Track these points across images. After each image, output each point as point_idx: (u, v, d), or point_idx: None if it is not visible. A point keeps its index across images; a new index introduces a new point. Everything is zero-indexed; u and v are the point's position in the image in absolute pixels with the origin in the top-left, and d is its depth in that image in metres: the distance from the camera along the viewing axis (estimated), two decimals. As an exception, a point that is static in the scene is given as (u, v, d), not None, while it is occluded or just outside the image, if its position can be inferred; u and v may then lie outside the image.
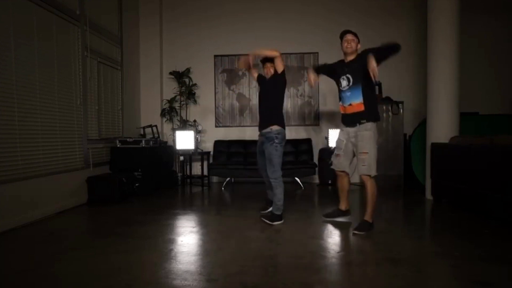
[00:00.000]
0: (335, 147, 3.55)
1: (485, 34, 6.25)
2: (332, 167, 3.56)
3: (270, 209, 3.76)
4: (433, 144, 4.69)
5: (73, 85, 4.51)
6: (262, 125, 3.69)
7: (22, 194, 3.59)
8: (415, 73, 6.33)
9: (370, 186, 3.25)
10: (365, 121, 3.22)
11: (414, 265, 2.48)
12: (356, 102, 3.24)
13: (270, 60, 3.65)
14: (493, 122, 5.46)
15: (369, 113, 3.23)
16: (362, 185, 5.79)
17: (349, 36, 3.27)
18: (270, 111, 3.66)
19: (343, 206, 3.66)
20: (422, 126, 5.32)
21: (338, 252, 2.74)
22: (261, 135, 3.73)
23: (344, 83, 3.32)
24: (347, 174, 3.52)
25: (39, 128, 3.88)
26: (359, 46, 3.29)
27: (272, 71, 3.69)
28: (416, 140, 5.52)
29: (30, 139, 3.74)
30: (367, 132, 3.22)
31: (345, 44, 3.28)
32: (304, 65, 6.52)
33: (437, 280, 2.29)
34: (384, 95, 6.05)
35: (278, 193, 3.57)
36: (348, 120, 3.35)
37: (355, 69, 3.23)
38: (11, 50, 3.51)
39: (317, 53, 6.49)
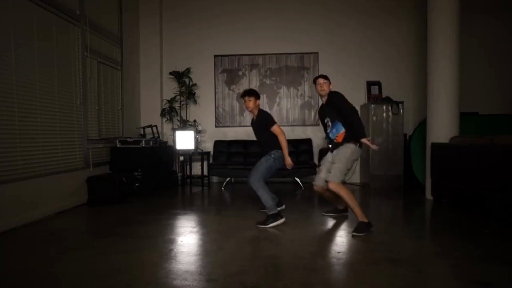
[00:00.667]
0: (320, 165, 3.73)
1: (485, 34, 6.25)
2: (313, 183, 3.69)
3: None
4: (433, 144, 4.69)
5: (73, 85, 4.51)
6: (263, 151, 3.85)
7: (22, 194, 3.59)
8: (415, 73, 6.33)
9: (339, 190, 3.31)
10: (347, 141, 3.45)
11: (414, 265, 2.48)
12: (340, 133, 3.48)
13: (248, 94, 3.78)
14: (493, 122, 5.46)
15: (351, 135, 3.42)
16: (362, 186, 5.78)
17: (321, 80, 3.53)
18: (267, 142, 3.78)
19: (340, 206, 3.86)
20: (422, 126, 5.32)
21: (338, 252, 2.74)
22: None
23: (328, 124, 3.60)
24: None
25: (39, 128, 3.88)
26: (331, 86, 3.55)
27: (251, 105, 3.77)
28: (416, 140, 5.52)
29: (30, 139, 3.74)
30: (344, 148, 3.42)
31: (319, 87, 3.55)
32: (304, 65, 6.52)
33: (437, 280, 2.30)
34: (384, 95, 6.06)
35: (262, 194, 3.56)
36: (335, 146, 3.55)
37: (330, 111, 3.54)
38: (11, 50, 3.51)
39: (317, 53, 6.49)
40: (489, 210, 3.64)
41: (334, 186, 3.33)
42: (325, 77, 3.58)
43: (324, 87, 3.52)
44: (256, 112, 3.84)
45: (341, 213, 3.86)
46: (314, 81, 3.62)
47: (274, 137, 3.73)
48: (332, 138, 3.55)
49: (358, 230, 3.20)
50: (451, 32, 4.59)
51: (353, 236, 3.15)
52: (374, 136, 5.61)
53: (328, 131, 3.60)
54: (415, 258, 2.65)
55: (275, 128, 3.72)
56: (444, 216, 4.01)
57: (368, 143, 3.29)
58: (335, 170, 3.36)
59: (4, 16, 3.44)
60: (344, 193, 3.30)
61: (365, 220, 3.26)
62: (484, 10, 6.20)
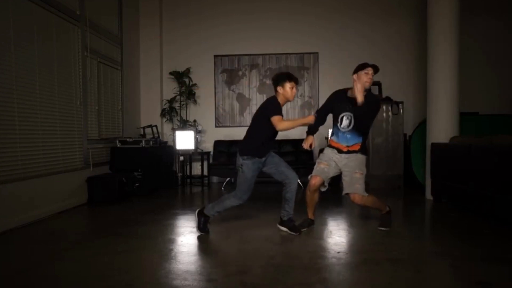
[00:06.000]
0: (320, 159, 3.28)
1: (485, 34, 6.24)
2: (312, 174, 3.24)
3: (286, 218, 3.29)
4: (433, 144, 4.69)
5: (73, 85, 4.51)
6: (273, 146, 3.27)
7: (22, 194, 3.59)
8: (415, 73, 6.33)
9: (365, 202, 3.13)
10: (362, 152, 3.17)
11: (414, 265, 2.48)
12: (355, 143, 3.10)
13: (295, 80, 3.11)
14: (493, 122, 5.46)
15: (362, 150, 3.16)
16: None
17: (370, 71, 2.97)
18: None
19: (383, 211, 3.38)
20: (422, 126, 5.32)
21: (338, 252, 2.74)
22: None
23: (345, 122, 3.08)
24: (321, 187, 3.26)
25: (39, 128, 3.88)
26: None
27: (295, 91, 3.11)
28: (416, 140, 5.52)
29: (30, 139, 3.74)
30: (359, 157, 3.12)
31: (364, 78, 2.95)
32: (304, 65, 6.52)
33: (437, 280, 2.29)
34: (384, 95, 6.05)
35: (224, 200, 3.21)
36: (341, 152, 3.17)
37: (362, 113, 2.98)
38: (11, 50, 3.50)
39: (317, 53, 6.49)
40: (489, 210, 3.63)
41: (360, 200, 3.08)
42: (376, 69, 3.00)
43: (371, 79, 2.98)
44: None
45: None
46: (361, 67, 2.99)
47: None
48: (344, 143, 3.12)
49: (385, 224, 3.29)
50: (451, 32, 4.59)
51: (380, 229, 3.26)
52: (374, 136, 5.61)
53: (343, 128, 3.10)
54: (415, 258, 2.65)
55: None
56: (444, 216, 4.01)
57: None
58: (360, 181, 3.05)
59: (4, 16, 3.43)
60: (371, 202, 3.17)
61: (384, 212, 3.33)
62: (484, 10, 6.20)
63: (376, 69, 3.02)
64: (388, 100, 5.78)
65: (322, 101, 6.39)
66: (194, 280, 2.24)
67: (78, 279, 2.28)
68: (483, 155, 3.75)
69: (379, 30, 6.39)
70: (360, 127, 3.07)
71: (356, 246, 2.96)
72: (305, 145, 3.27)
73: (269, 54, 6.56)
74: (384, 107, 5.65)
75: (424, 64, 5.05)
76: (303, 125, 3.21)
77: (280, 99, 3.12)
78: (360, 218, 3.71)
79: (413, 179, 5.59)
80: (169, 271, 2.40)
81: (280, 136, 3.52)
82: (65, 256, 2.70)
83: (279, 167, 3.24)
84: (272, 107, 3.04)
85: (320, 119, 3.25)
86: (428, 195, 4.82)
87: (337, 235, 3.21)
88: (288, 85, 3.05)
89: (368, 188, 5.39)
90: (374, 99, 3.10)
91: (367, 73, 2.97)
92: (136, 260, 2.63)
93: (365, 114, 2.99)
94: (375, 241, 3.02)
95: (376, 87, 6.20)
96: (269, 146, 3.22)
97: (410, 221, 3.94)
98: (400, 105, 5.65)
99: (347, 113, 3.07)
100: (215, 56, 6.62)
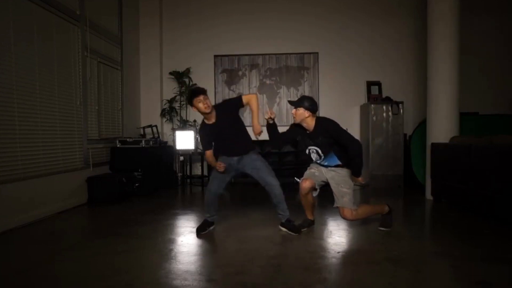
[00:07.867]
0: (310, 166, 3.27)
1: (484, 34, 6.24)
2: (303, 178, 3.21)
3: (284, 220, 3.31)
4: (433, 144, 4.69)
5: (73, 85, 4.51)
6: (241, 148, 3.29)
7: (22, 194, 3.59)
8: (415, 73, 6.32)
9: (357, 217, 3.06)
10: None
11: (414, 265, 2.48)
12: (334, 163, 3.04)
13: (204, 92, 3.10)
14: (493, 122, 5.46)
15: (347, 165, 3.05)
16: (362, 186, 5.78)
17: (294, 110, 3.01)
18: (245, 136, 3.34)
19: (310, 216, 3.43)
20: (422, 126, 5.32)
21: (338, 252, 2.74)
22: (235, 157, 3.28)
23: (314, 156, 3.09)
24: (313, 189, 3.24)
25: (39, 128, 3.88)
26: (306, 114, 2.94)
27: (208, 103, 3.08)
28: (416, 140, 5.52)
29: (30, 139, 3.74)
30: (345, 170, 3.04)
31: (293, 117, 3.04)
32: (304, 65, 6.52)
33: (437, 280, 2.29)
34: (384, 95, 6.05)
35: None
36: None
37: (322, 144, 2.99)
38: (11, 50, 3.50)
39: (317, 53, 6.49)
40: (489, 210, 3.63)
41: (350, 214, 3.00)
42: (299, 102, 2.96)
43: (297, 117, 2.98)
44: (211, 111, 3.12)
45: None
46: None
47: (246, 131, 3.33)
48: (330, 165, 3.07)
49: (386, 224, 3.27)
50: (451, 32, 4.59)
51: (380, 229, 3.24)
52: (374, 136, 5.61)
53: (317, 160, 3.11)
54: (415, 258, 2.65)
55: (245, 97, 3.27)
56: (444, 216, 4.01)
57: (361, 182, 3.00)
58: (348, 195, 2.97)
59: (4, 16, 3.43)
60: (363, 214, 3.10)
61: (384, 212, 3.28)
62: (484, 10, 6.19)
63: (299, 103, 2.97)
64: (388, 100, 5.78)
65: (322, 101, 6.46)
66: (194, 280, 2.24)
67: (78, 279, 2.28)
68: (483, 155, 3.75)
69: (379, 30, 6.39)
70: (331, 154, 3.00)
71: (356, 246, 2.96)
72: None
73: (269, 54, 6.56)
74: (384, 107, 5.66)
75: (424, 64, 5.04)
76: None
77: (205, 117, 3.19)
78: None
79: (413, 179, 5.59)
80: (169, 271, 2.40)
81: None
82: (65, 256, 2.70)
83: (260, 172, 3.27)
84: (201, 140, 3.32)
85: (277, 135, 3.19)
86: (428, 195, 4.82)
87: (337, 235, 3.21)
88: (197, 101, 3.03)
89: (368, 188, 5.49)
90: (324, 127, 2.98)
91: (293, 113, 3.01)
92: (136, 260, 2.63)
93: (325, 145, 2.98)
94: (375, 241, 3.02)
95: (376, 87, 6.22)
96: (228, 147, 3.27)
97: (410, 221, 3.94)
98: (400, 105, 5.65)
99: (311, 147, 3.06)
100: (215, 56, 6.62)
